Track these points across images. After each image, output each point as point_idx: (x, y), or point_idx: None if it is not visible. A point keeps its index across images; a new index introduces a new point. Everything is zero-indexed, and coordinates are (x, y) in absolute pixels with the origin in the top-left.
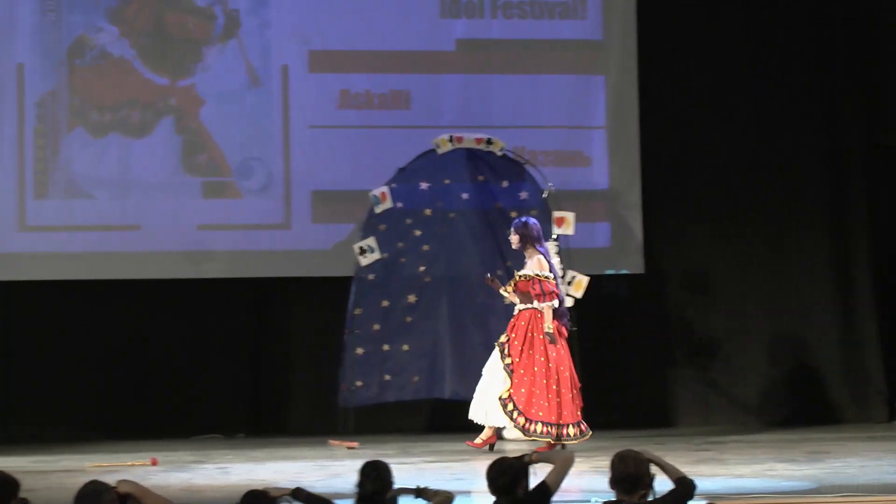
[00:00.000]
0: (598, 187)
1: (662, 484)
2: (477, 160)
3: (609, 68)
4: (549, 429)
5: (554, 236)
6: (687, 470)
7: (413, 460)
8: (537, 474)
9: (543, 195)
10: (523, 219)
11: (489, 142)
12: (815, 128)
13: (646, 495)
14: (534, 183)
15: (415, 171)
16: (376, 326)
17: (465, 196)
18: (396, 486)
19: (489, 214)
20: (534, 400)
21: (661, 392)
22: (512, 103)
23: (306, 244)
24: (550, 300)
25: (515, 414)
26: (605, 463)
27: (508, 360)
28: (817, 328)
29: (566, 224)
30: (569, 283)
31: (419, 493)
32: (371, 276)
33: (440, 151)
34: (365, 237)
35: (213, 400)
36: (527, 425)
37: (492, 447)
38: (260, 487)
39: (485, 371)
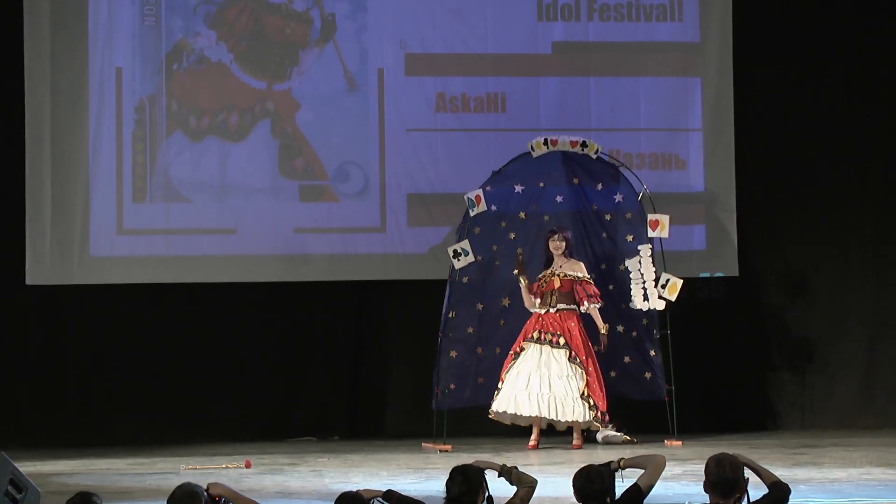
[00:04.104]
0: (693, 190)
1: (757, 488)
2: (572, 163)
3: (706, 70)
4: (607, 417)
5: (649, 239)
6: (782, 474)
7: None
8: (624, 480)
9: (639, 198)
10: (569, 231)
11: (584, 144)
12: None
13: (741, 499)
14: (629, 185)
15: (509, 173)
16: (470, 329)
17: (559, 199)
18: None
19: (584, 217)
20: (601, 394)
21: (757, 395)
22: (608, 106)
23: (402, 247)
24: (598, 302)
25: (596, 410)
26: (700, 467)
27: (579, 360)
28: None
29: (661, 227)
30: (663, 287)
31: (503, 471)
32: (465, 280)
33: (535, 154)
34: (459, 240)
35: (309, 402)
36: (604, 418)
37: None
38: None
39: (520, 369)
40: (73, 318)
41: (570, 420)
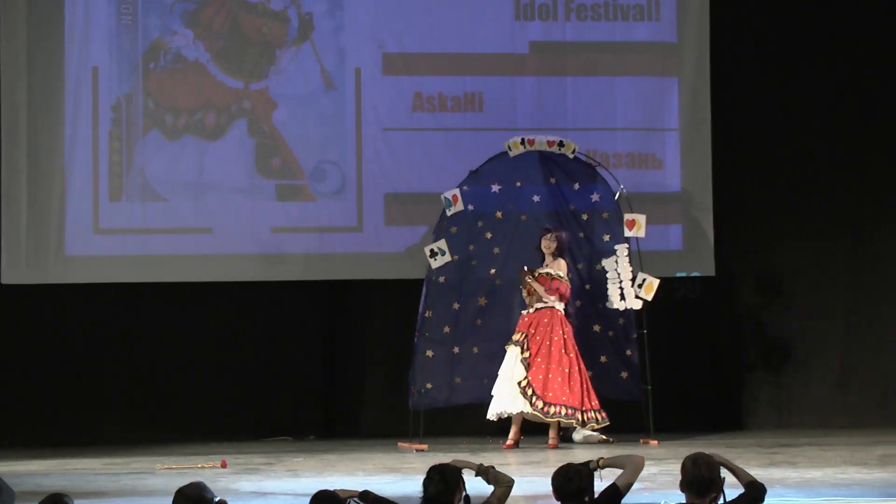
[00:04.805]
0: (670, 189)
1: (733, 488)
2: (549, 162)
3: (683, 70)
4: (572, 412)
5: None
6: (758, 473)
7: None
8: (603, 480)
9: (615, 197)
10: (564, 232)
11: (561, 144)
12: (890, 125)
13: (717, 498)
14: (606, 185)
15: (486, 173)
16: (447, 329)
17: (536, 198)
18: (460, 462)
19: (561, 217)
20: (551, 385)
21: (733, 395)
22: (585, 105)
23: (379, 247)
24: (560, 300)
25: (534, 398)
26: (676, 466)
27: (527, 354)
28: (892, 329)
29: (637, 226)
30: (639, 286)
31: (480, 471)
32: (442, 279)
33: (512, 154)
34: (436, 240)
35: (285, 402)
36: (545, 408)
37: (518, 444)
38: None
39: (501, 373)
40: (48, 318)
41: (501, 412)
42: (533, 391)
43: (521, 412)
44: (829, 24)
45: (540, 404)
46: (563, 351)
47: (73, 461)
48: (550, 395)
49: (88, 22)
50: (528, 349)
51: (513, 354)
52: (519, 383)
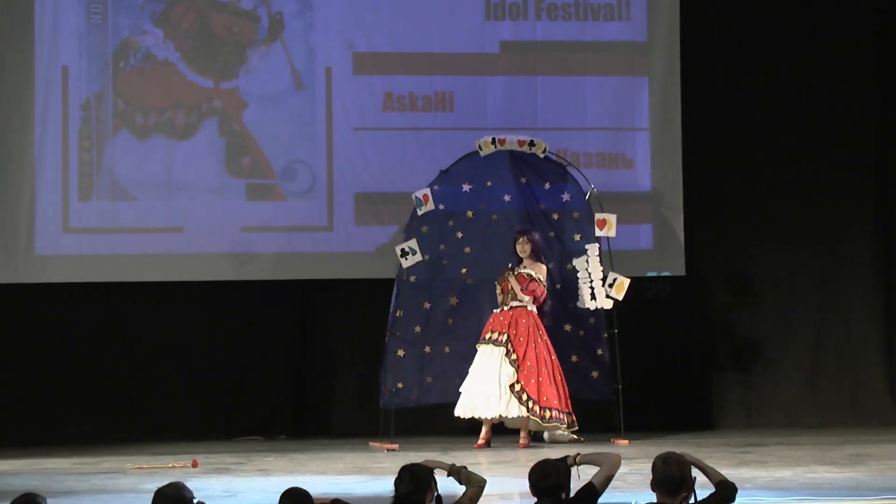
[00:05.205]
0: (640, 189)
1: (704, 487)
2: (520, 162)
3: (653, 70)
4: (561, 415)
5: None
6: (728, 472)
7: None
8: (580, 477)
9: (586, 197)
10: (536, 233)
11: (532, 143)
12: (859, 128)
13: (687, 498)
14: (576, 185)
15: (457, 173)
16: (418, 328)
17: (507, 198)
18: (432, 462)
19: (532, 216)
20: (544, 389)
21: (703, 394)
22: (555, 105)
23: (349, 246)
24: (535, 302)
25: (531, 403)
26: (646, 466)
27: (515, 356)
28: (862, 331)
29: (608, 226)
30: (610, 286)
31: (452, 471)
32: (413, 279)
33: (483, 153)
34: (407, 239)
35: (255, 402)
36: (542, 413)
37: (489, 443)
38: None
39: (473, 370)
40: (18, 317)
41: (495, 416)
42: (528, 395)
43: (515, 416)
44: (802, 24)
45: (537, 409)
46: (547, 353)
47: (43, 461)
48: (545, 399)
49: (58, 21)
50: (514, 351)
51: (494, 353)
52: (512, 387)
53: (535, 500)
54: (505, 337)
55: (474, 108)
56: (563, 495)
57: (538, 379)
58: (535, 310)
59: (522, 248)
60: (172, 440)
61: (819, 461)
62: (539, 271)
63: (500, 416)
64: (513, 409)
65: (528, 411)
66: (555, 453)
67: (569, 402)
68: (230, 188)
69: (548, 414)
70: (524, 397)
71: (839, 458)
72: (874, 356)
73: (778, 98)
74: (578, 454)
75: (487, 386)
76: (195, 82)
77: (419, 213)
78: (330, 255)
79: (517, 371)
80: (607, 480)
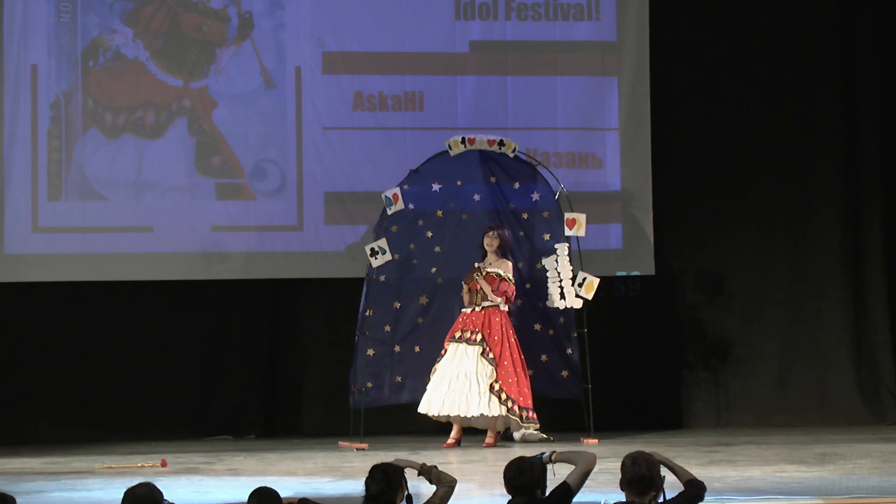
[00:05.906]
0: (610, 189)
1: (673, 487)
2: (489, 161)
3: (622, 70)
4: (535, 415)
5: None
6: (697, 472)
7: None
8: (556, 475)
9: (556, 196)
10: (507, 230)
11: (501, 143)
12: (827, 125)
13: (657, 497)
14: (546, 184)
15: (427, 172)
16: (388, 328)
17: (477, 197)
18: (402, 460)
19: (501, 216)
20: (521, 389)
21: (673, 394)
22: (525, 105)
23: (319, 246)
24: (506, 303)
25: (510, 403)
26: (616, 465)
27: (492, 355)
28: (831, 330)
29: (578, 226)
30: (580, 285)
31: (423, 470)
32: (383, 278)
33: (453, 153)
34: (377, 239)
35: (225, 401)
36: (521, 412)
37: (459, 443)
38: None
39: (442, 367)
40: None
41: (476, 415)
42: (507, 395)
43: (495, 416)
44: (771, 23)
45: (517, 409)
46: (518, 352)
47: (11, 461)
48: (521, 399)
49: (27, 20)
50: (491, 350)
51: (468, 353)
52: (491, 386)
53: (510, 497)
54: (479, 336)
55: (444, 107)
56: (539, 493)
57: (516, 378)
58: (506, 309)
59: (490, 241)
60: (142, 440)
61: (788, 460)
62: (506, 269)
63: (482, 415)
64: (493, 409)
65: (507, 411)
66: (527, 453)
67: (515, 394)
68: (200, 187)
69: (525, 414)
70: (503, 397)
71: (809, 458)
72: (843, 355)
73: (746, 98)
74: (554, 452)
75: (465, 385)
76: (165, 82)
77: (389, 212)
78: (300, 254)
79: (496, 370)
80: (583, 479)
